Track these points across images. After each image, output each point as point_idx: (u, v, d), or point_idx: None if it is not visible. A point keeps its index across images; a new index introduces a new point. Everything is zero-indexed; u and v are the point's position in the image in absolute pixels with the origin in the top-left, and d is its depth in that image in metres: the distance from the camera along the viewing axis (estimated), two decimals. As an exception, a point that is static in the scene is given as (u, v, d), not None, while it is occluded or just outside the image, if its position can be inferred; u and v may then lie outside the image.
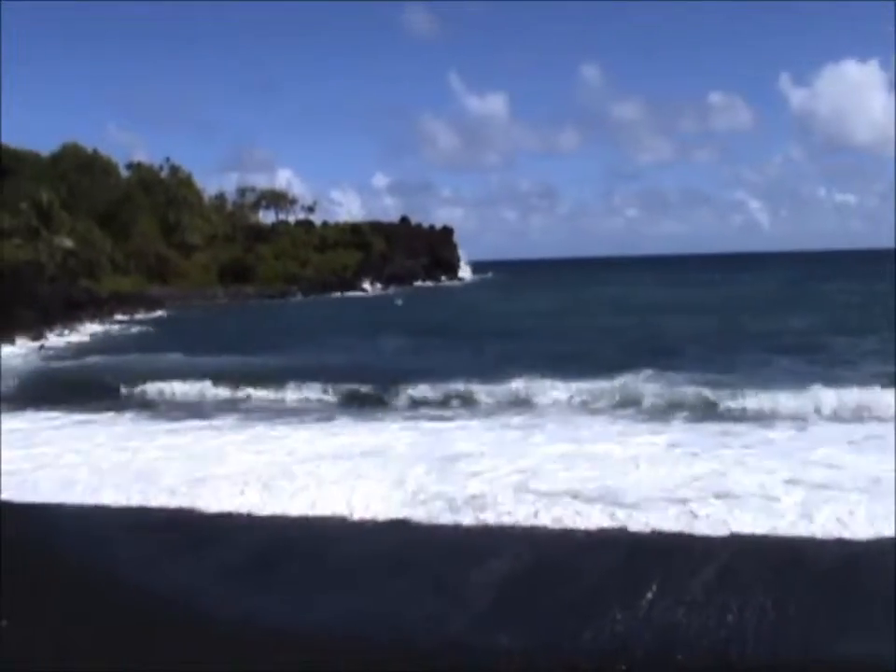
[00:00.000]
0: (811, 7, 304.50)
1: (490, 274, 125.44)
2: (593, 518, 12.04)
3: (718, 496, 12.67)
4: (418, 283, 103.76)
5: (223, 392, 24.76)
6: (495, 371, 24.96)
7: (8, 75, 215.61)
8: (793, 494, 12.69)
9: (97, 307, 61.47)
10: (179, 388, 25.34)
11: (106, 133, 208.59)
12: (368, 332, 42.59)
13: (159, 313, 66.87)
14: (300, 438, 18.41)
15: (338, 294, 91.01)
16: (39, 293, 50.05)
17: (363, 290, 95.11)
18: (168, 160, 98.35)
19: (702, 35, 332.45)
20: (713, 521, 11.76)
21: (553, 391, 21.77)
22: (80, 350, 39.35)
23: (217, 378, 25.58)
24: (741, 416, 19.24)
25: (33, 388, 27.14)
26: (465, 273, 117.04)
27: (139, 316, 63.74)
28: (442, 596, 9.76)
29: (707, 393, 20.48)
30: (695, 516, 11.92)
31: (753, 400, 19.84)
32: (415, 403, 22.18)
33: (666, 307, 52.85)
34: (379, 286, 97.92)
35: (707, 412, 19.56)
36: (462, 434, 18.05)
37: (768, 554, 10.65)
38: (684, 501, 12.49)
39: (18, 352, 39.18)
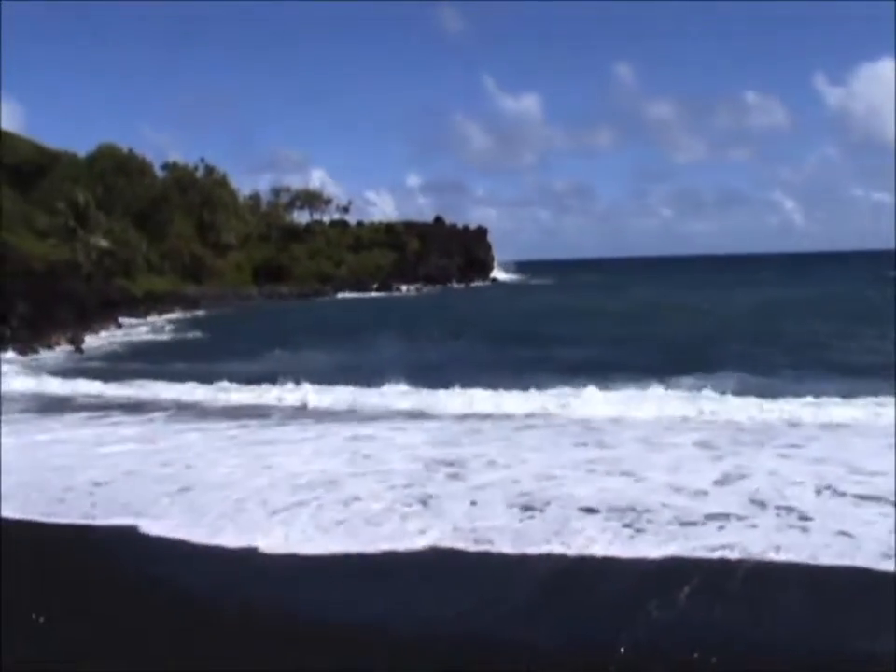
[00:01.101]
0: (847, 5, 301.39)
1: (527, 275, 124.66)
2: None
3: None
4: (452, 284, 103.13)
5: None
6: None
7: (46, 77, 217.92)
8: None
9: (132, 306, 61.87)
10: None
11: (142, 134, 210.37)
12: (429, 336, 40.83)
13: (197, 312, 67.18)
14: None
15: (374, 294, 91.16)
16: (75, 292, 50.11)
17: (397, 290, 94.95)
18: (203, 160, 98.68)
19: (736, 33, 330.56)
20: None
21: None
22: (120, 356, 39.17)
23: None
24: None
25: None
26: (499, 273, 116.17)
27: (174, 316, 63.95)
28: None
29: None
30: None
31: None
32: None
33: (758, 313, 49.74)
34: (413, 287, 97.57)
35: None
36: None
37: None
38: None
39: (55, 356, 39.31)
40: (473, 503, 12.75)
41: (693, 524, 11.55)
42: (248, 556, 11.00)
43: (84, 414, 22.27)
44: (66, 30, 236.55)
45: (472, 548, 10.96)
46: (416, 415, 20.74)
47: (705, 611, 8.88)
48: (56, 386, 27.42)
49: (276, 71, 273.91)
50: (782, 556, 10.25)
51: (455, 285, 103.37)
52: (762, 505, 12.27)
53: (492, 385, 22.90)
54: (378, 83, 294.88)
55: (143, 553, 11.48)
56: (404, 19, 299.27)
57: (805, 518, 11.61)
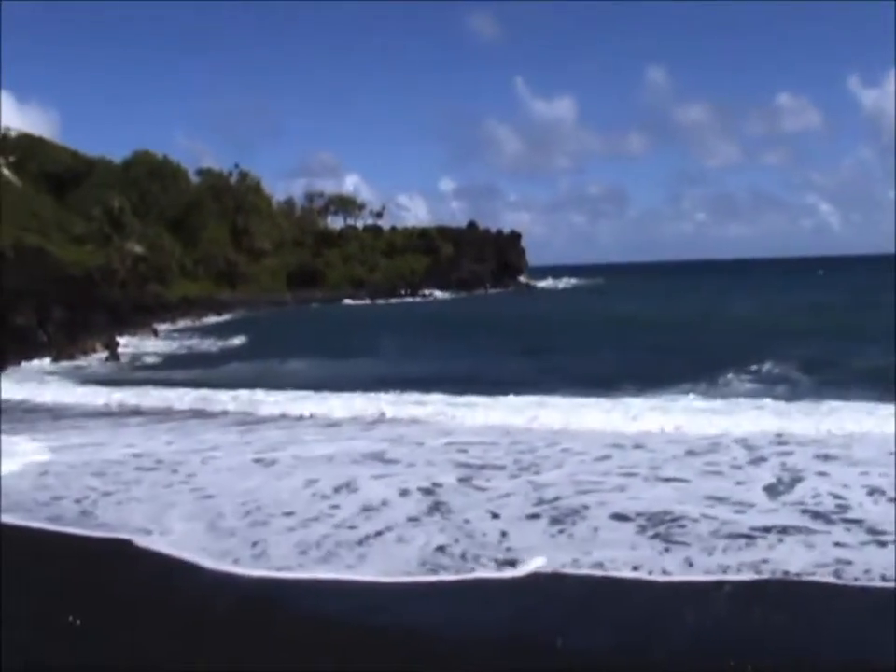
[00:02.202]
0: (881, 5, 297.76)
1: (560, 280, 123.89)
2: None
3: None
4: (485, 289, 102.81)
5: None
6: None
7: (81, 85, 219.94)
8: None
9: (167, 312, 62.02)
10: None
11: (176, 140, 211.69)
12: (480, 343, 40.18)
13: (225, 317, 67.28)
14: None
15: (408, 299, 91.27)
16: (111, 298, 50.21)
17: (429, 295, 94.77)
18: (237, 165, 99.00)
19: (769, 35, 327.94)
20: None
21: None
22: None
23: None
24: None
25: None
26: (532, 279, 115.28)
27: (210, 321, 64.02)
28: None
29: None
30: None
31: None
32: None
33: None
34: (447, 293, 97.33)
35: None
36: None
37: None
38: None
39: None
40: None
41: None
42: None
43: (196, 422, 21.07)
44: (100, 38, 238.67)
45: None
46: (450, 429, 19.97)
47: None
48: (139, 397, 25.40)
49: (308, 76, 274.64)
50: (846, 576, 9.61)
51: (489, 290, 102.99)
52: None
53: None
54: (411, 87, 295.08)
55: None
56: (437, 23, 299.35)
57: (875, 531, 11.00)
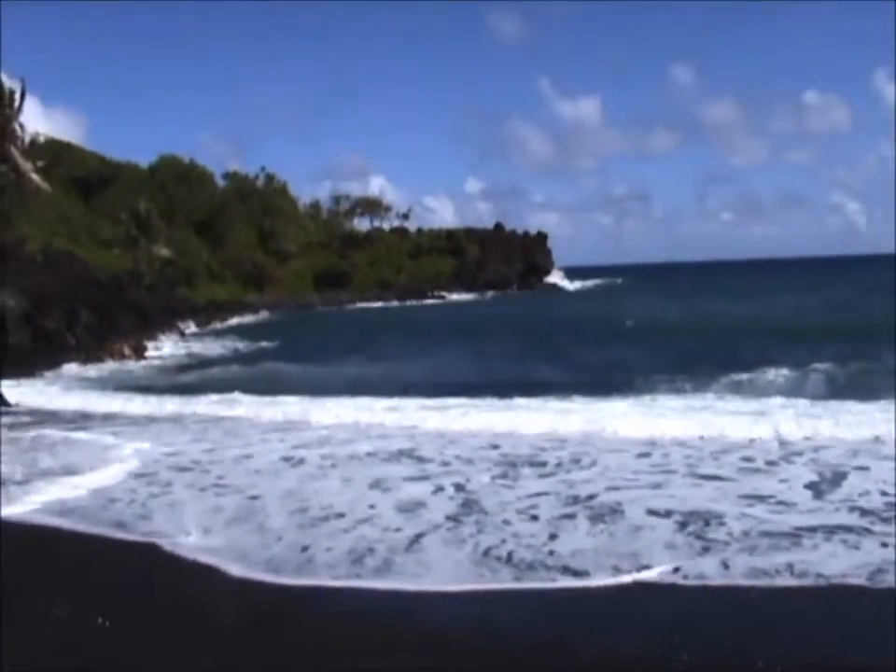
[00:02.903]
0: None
1: (587, 281, 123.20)
2: None
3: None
4: (511, 290, 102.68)
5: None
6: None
7: (108, 90, 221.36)
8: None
9: (194, 315, 62.21)
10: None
11: (202, 144, 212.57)
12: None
13: (257, 318, 67.54)
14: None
15: (433, 300, 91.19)
16: (138, 301, 50.22)
17: (443, 297, 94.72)
18: (263, 168, 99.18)
19: (795, 32, 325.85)
20: None
21: None
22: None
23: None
24: None
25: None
26: (559, 279, 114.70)
27: (234, 322, 64.20)
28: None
29: None
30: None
31: None
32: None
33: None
34: (472, 294, 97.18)
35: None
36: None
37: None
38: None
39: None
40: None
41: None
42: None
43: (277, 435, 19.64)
44: (125, 43, 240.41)
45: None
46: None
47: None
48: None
49: (333, 78, 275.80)
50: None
51: (515, 291, 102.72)
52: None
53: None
54: (436, 88, 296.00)
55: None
56: (461, 23, 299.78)
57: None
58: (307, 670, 7.90)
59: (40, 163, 60.94)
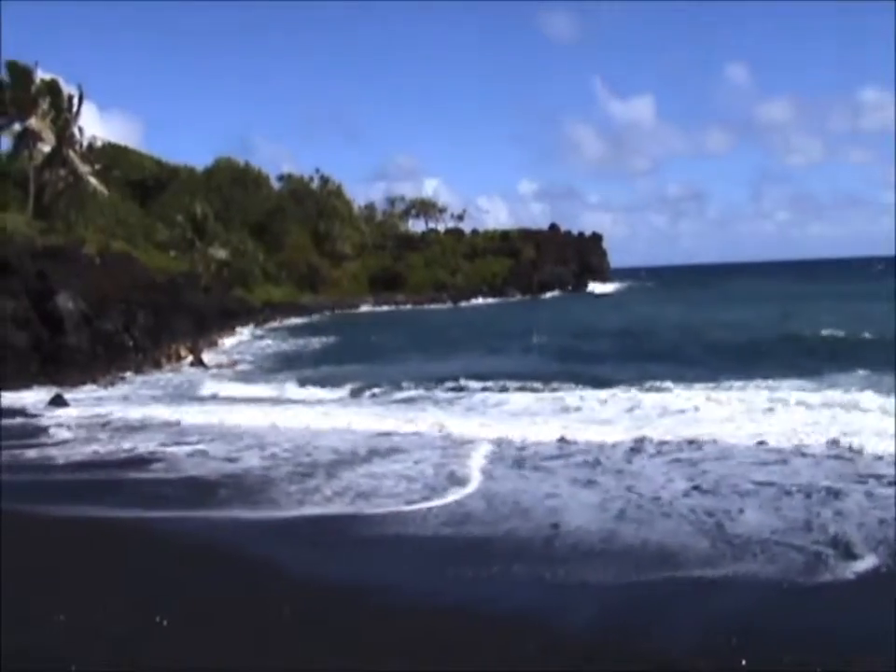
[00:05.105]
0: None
1: (642, 282, 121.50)
2: None
3: None
4: (567, 291, 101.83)
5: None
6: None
7: (164, 93, 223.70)
8: None
9: (250, 316, 62.46)
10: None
11: (257, 146, 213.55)
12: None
13: (304, 319, 67.51)
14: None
15: (490, 300, 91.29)
16: (194, 302, 50.18)
17: (512, 297, 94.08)
18: (318, 170, 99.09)
19: (849, 28, 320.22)
20: None
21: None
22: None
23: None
24: None
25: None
26: (611, 282, 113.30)
27: (294, 321, 64.19)
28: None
29: None
30: None
31: None
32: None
33: None
34: (528, 295, 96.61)
35: None
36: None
37: None
38: None
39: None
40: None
41: None
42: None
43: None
44: (180, 46, 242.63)
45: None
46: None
47: None
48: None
49: (387, 79, 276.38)
50: None
51: (570, 291, 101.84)
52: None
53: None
54: (489, 89, 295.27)
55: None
56: (514, 24, 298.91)
57: None
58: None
59: (98, 167, 61.22)
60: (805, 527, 11.29)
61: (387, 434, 19.52)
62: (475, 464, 15.91)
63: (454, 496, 13.62)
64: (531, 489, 13.93)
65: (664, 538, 11.14)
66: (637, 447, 16.97)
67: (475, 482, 14.60)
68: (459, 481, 14.60)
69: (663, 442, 17.22)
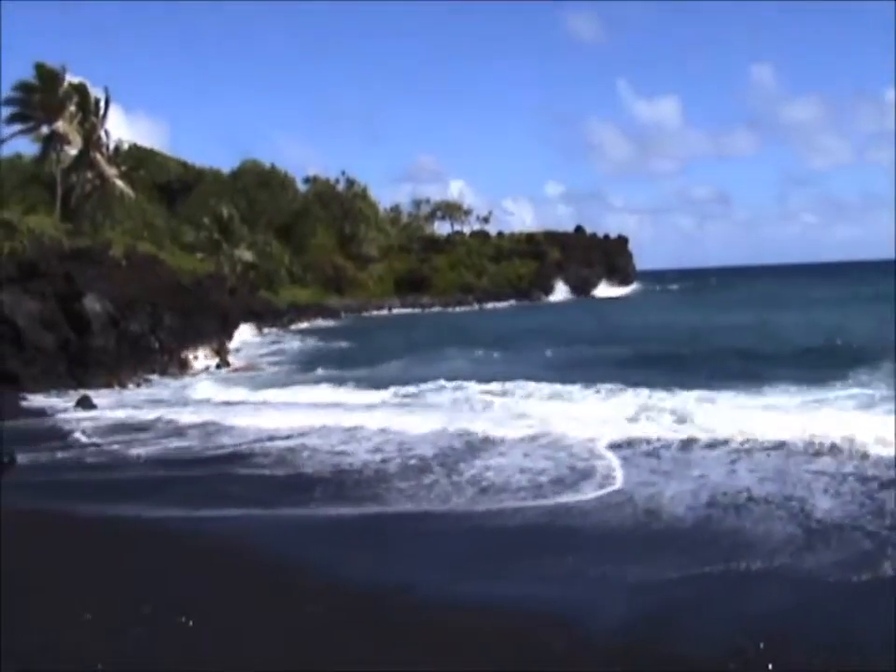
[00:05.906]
0: None
1: (668, 285, 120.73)
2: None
3: None
4: (593, 293, 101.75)
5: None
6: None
7: (190, 96, 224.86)
8: None
9: (276, 317, 62.60)
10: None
11: (283, 149, 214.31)
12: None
13: (331, 322, 67.50)
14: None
15: (513, 302, 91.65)
16: (220, 304, 50.20)
17: (538, 300, 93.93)
18: (344, 173, 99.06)
19: (875, 27, 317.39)
20: None
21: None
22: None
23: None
24: None
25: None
26: (639, 283, 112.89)
27: (321, 324, 64.16)
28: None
29: None
30: None
31: None
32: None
33: None
34: (553, 298, 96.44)
35: None
36: None
37: None
38: None
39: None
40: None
41: None
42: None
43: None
44: (206, 49, 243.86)
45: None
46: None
47: None
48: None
49: (410, 81, 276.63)
50: None
51: (596, 294, 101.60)
52: None
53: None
54: (513, 91, 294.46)
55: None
56: (539, 25, 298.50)
57: None
58: None
59: (124, 169, 61.42)
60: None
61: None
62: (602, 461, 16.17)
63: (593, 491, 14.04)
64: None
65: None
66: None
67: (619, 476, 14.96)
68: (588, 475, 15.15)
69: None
